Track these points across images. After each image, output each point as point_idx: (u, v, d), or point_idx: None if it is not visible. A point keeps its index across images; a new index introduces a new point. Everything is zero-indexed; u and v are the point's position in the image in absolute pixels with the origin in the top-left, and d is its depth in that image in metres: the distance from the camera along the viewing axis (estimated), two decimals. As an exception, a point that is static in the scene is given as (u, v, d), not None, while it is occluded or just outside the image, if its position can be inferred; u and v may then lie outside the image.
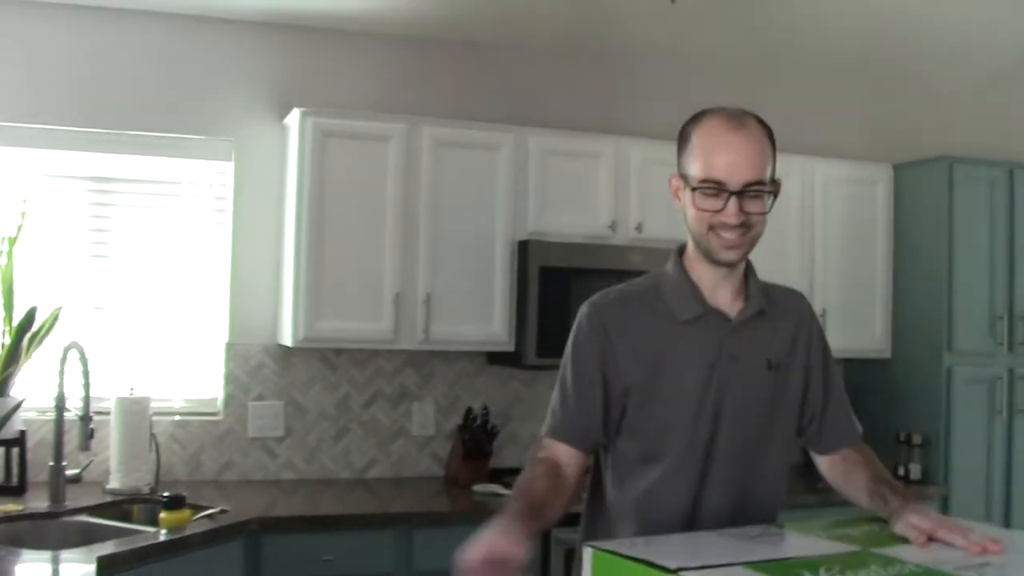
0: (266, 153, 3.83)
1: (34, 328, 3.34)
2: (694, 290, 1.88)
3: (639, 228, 3.91)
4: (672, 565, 1.38)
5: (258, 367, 3.79)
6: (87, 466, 3.31)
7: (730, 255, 1.82)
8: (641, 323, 1.88)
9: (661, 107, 4.27)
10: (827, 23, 3.98)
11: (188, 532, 2.86)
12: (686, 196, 1.82)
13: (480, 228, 3.73)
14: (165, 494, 2.97)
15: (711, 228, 1.79)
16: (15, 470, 3.30)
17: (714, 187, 1.77)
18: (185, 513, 2.94)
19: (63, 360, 3.13)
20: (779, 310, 1.95)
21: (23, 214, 3.47)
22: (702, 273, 1.88)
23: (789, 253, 4.14)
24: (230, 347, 3.77)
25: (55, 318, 3.41)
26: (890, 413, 4.28)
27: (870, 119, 4.67)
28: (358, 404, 3.91)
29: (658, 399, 1.86)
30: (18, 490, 3.26)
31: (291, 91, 3.84)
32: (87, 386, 3.07)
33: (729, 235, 1.79)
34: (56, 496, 3.12)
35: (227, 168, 3.83)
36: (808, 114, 4.54)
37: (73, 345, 3.11)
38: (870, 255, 4.33)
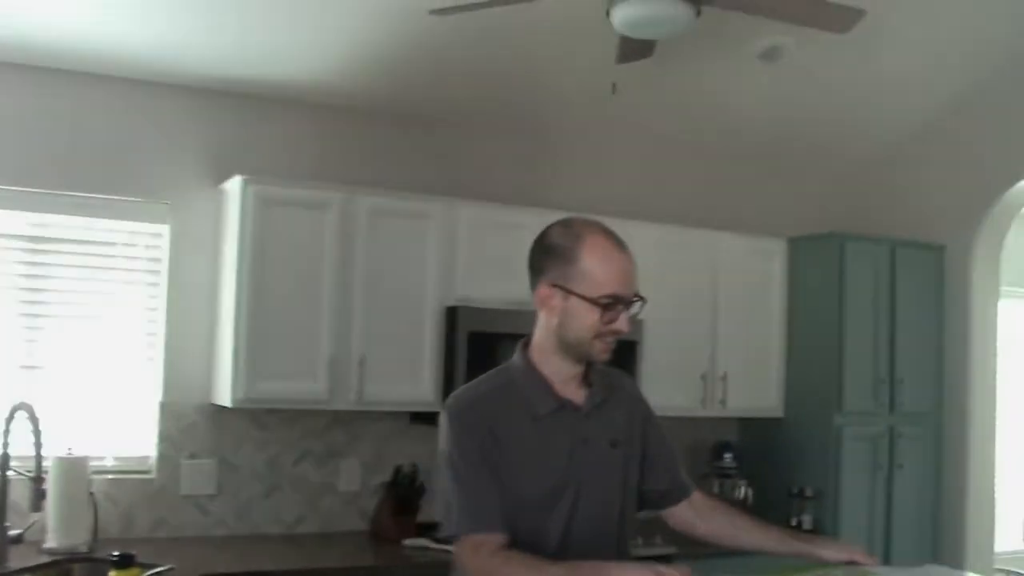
0: (202, 216, 3.93)
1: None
2: (547, 385, 2.07)
3: (558, 294, 4.16)
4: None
5: (191, 426, 3.86)
6: (30, 526, 3.32)
7: (607, 356, 2.05)
8: (507, 418, 2.03)
9: (576, 181, 4.58)
10: (732, 111, 4.36)
11: (139, 591, 2.92)
12: (570, 306, 2.00)
13: (412, 293, 3.91)
14: (114, 553, 3.01)
15: (598, 336, 2.00)
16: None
17: (612, 300, 1.98)
18: (135, 572, 2.98)
19: (8, 420, 3.16)
20: (615, 393, 2.17)
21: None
22: (555, 368, 2.07)
23: (695, 320, 4.45)
24: (164, 406, 3.83)
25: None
26: (784, 468, 4.64)
27: (767, 197, 5.08)
28: (288, 462, 4.02)
29: (525, 487, 2.00)
30: (-47, 552, 3.24)
31: (228, 157, 3.95)
32: (39, 446, 3.10)
33: (611, 340, 2.02)
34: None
35: (162, 230, 3.91)
36: (713, 192, 4.93)
37: (21, 406, 3.14)
38: (766, 323, 4.69)
